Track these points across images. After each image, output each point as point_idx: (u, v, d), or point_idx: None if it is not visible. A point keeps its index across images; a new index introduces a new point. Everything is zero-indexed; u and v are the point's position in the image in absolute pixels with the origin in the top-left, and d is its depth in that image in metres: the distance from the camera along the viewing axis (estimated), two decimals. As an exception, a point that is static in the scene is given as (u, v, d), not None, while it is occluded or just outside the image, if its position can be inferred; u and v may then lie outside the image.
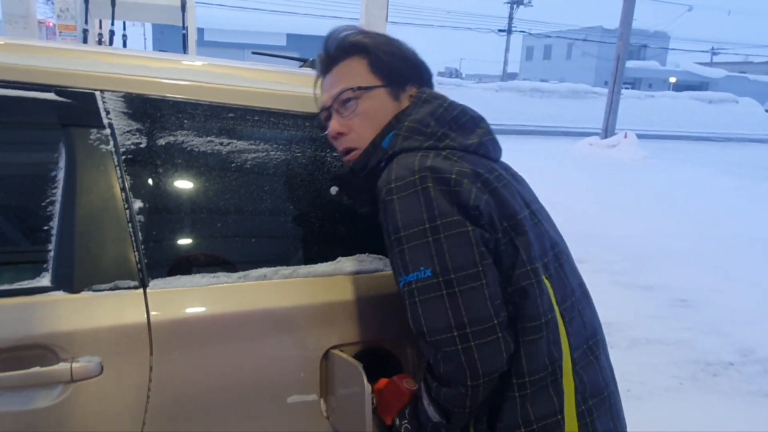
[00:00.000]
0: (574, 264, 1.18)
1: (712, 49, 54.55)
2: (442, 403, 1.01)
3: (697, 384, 3.23)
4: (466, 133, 1.12)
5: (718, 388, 3.21)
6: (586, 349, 1.09)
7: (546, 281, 1.04)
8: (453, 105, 1.15)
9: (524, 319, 1.00)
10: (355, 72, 1.15)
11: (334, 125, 1.15)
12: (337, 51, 1.17)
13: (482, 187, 1.02)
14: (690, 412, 2.90)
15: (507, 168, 1.20)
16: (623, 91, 19.82)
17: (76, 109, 1.16)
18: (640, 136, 14.76)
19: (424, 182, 0.99)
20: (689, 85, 41.38)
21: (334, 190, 1.19)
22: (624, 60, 16.52)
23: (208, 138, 1.25)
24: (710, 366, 3.46)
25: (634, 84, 41.16)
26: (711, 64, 51.83)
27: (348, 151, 1.16)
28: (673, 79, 42.46)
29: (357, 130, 1.14)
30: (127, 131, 1.19)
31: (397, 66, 1.16)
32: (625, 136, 14.46)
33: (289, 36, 33.04)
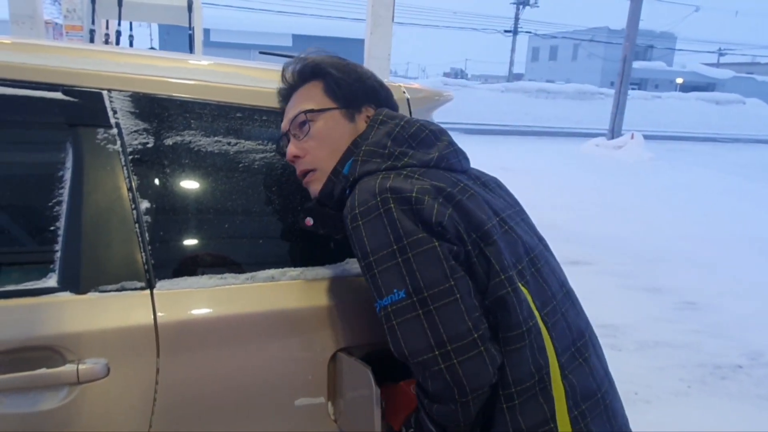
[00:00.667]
0: (555, 266, 1.17)
1: (719, 49, 54.29)
2: (436, 419, 1.00)
3: (705, 387, 3.21)
4: (426, 148, 1.12)
5: (727, 391, 3.18)
6: (574, 352, 1.07)
7: (523, 288, 1.02)
8: (410, 122, 1.15)
9: (505, 329, 0.99)
10: (311, 96, 1.18)
11: (290, 149, 1.17)
12: (294, 78, 1.21)
13: (444, 202, 1.02)
14: (698, 415, 2.88)
15: (477, 176, 1.20)
16: (630, 91, 19.76)
17: (83, 108, 1.15)
18: (646, 137, 14.69)
19: (386, 204, 0.99)
20: (696, 85, 41.19)
21: (309, 221, 1.18)
22: (630, 61, 16.47)
23: (216, 138, 1.24)
24: (718, 369, 3.43)
25: (641, 85, 41.02)
26: (718, 64, 51.60)
27: (305, 173, 1.17)
28: (679, 80, 42.28)
29: (312, 152, 1.15)
30: (134, 131, 1.18)
31: (351, 87, 1.18)
32: (632, 137, 14.40)
33: (295, 36, 33.07)
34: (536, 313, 1.03)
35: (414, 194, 1.00)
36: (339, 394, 1.21)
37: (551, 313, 1.05)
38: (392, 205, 0.99)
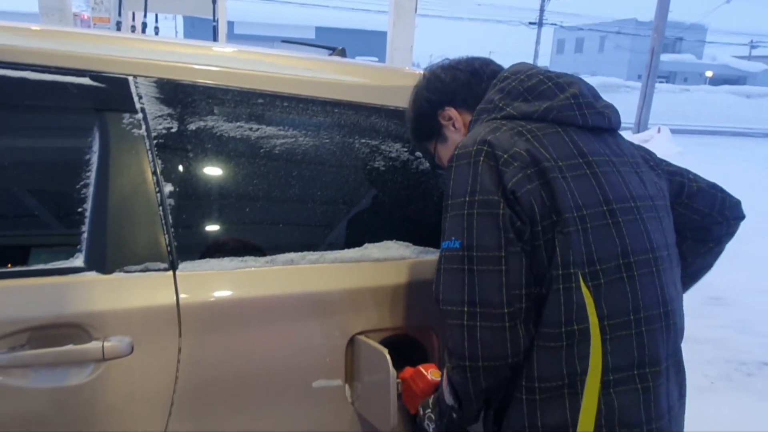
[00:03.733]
0: (667, 279, 1.05)
1: (751, 42, 52.89)
2: (454, 384, 1.01)
3: (730, 383, 3.15)
4: (540, 100, 1.08)
5: (752, 388, 3.12)
6: (635, 375, 0.98)
7: (585, 291, 0.96)
8: (532, 75, 1.12)
9: (542, 324, 0.97)
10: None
11: None
12: None
13: (532, 175, 0.98)
14: (721, 411, 2.83)
15: (622, 149, 1.10)
16: (657, 84, 19.37)
17: (109, 93, 1.18)
18: (674, 131, 14.39)
19: (478, 154, 1.00)
20: (726, 79, 40.22)
21: None
22: (659, 53, 16.12)
23: (238, 123, 1.26)
24: (744, 365, 3.37)
25: (669, 78, 40.19)
26: (749, 57, 50.28)
27: None
28: (709, 73, 41.33)
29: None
30: (159, 116, 1.20)
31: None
32: (659, 131, 14.12)
33: (318, 29, 33.11)
34: (594, 320, 0.96)
35: (506, 155, 0.99)
36: (356, 377, 1.22)
37: (618, 327, 0.98)
38: (482, 158, 0.99)
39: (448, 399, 1.04)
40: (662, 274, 1.04)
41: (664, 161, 1.24)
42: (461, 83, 1.20)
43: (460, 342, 0.96)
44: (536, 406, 0.97)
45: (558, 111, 1.07)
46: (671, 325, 1.04)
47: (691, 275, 1.28)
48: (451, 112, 1.21)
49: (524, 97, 1.09)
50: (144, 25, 5.36)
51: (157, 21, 5.76)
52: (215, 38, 5.34)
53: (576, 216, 0.97)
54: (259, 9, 33.05)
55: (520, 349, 0.96)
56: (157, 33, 5.62)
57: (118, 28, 5.20)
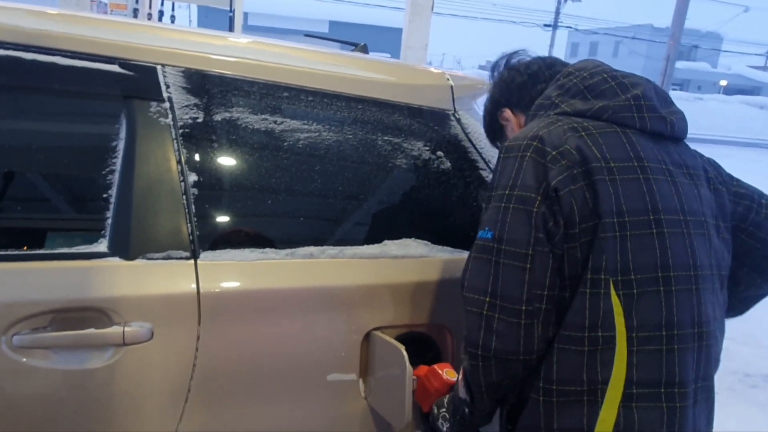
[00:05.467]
0: (707, 300, 1.01)
1: (767, 53, 52.46)
2: (466, 375, 1.03)
3: (733, 395, 3.15)
4: (599, 99, 1.05)
5: (756, 400, 3.12)
6: (661, 393, 0.95)
7: (614, 299, 0.94)
8: (595, 74, 1.09)
9: (564, 326, 0.96)
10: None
11: None
12: None
13: (579, 176, 0.96)
14: (725, 423, 2.83)
15: (684, 160, 1.06)
16: (671, 92, 19.25)
17: (138, 81, 1.19)
18: (686, 140, 14.30)
19: (527, 149, 1.00)
20: (741, 89, 39.90)
21: None
22: (674, 60, 16.02)
23: (263, 116, 1.27)
24: (748, 377, 3.36)
25: (683, 85, 39.91)
26: (765, 68, 49.88)
27: None
28: (723, 82, 41.02)
29: None
30: (186, 105, 1.21)
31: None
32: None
33: (332, 23, 33.09)
34: (621, 329, 0.94)
35: (555, 151, 0.98)
36: (371, 372, 1.23)
37: (648, 341, 0.95)
38: (530, 153, 0.99)
39: (462, 392, 1.05)
40: (702, 294, 0.99)
41: (736, 180, 1.18)
42: (517, 85, 1.21)
43: (476, 330, 0.98)
44: (553, 408, 0.97)
45: (614, 111, 1.04)
46: (704, 347, 1.00)
47: (743, 301, 1.24)
48: (507, 113, 1.23)
49: (583, 95, 1.07)
50: (161, 13, 5.39)
51: (173, 9, 5.78)
52: (231, 29, 5.35)
53: (616, 222, 0.95)
54: (275, 1, 33.05)
55: (534, 348, 0.97)
56: (173, 21, 5.65)
57: (135, 15, 5.23)
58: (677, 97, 26.13)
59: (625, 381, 0.94)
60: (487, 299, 0.97)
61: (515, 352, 0.96)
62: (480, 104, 1.51)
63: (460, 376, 1.06)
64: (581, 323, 0.95)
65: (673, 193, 1.00)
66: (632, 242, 0.95)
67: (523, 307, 0.95)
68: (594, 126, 1.02)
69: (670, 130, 1.06)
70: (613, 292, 0.94)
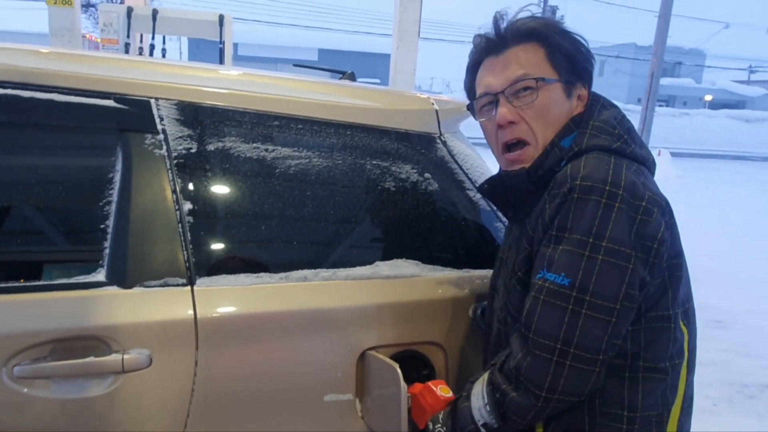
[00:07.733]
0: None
1: (750, 67, 53.40)
2: (505, 408, 0.99)
3: (731, 405, 3.16)
4: (639, 146, 1.07)
5: (754, 410, 3.13)
6: (689, 401, 1.10)
7: (683, 327, 1.04)
8: (626, 116, 1.11)
9: (648, 359, 1.00)
10: (532, 60, 1.07)
11: (504, 113, 1.07)
12: (510, 33, 1.09)
13: (666, 220, 0.98)
14: (724, 434, 2.83)
15: None
16: (657, 108, 19.50)
17: (132, 115, 1.23)
18: (674, 155, 14.49)
19: (613, 198, 0.94)
20: (725, 103, 40.54)
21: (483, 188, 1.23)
22: (658, 77, 16.26)
23: (255, 145, 1.31)
24: (746, 388, 3.38)
25: (669, 101, 40.50)
26: (748, 82, 50.73)
27: (514, 142, 1.09)
28: (708, 97, 41.65)
29: (530, 123, 1.07)
30: (179, 137, 1.25)
31: (573, 61, 1.09)
32: (659, 154, 14.23)
33: (321, 51, 33.49)
34: (687, 354, 1.05)
35: (645, 203, 0.95)
36: (367, 391, 1.25)
37: (692, 362, 1.08)
38: (618, 203, 0.93)
39: (483, 416, 1.02)
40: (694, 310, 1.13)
41: None
42: (585, 63, 1.12)
43: (542, 374, 0.94)
44: None
45: (653, 162, 1.10)
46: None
47: None
48: (584, 92, 1.13)
49: (630, 134, 1.07)
50: (152, 47, 5.46)
51: (164, 43, 5.86)
52: (221, 60, 5.43)
53: (683, 258, 1.05)
54: (264, 31, 33.44)
55: (594, 389, 0.97)
56: (164, 55, 5.72)
57: (126, 50, 5.30)
58: (664, 113, 26.52)
59: (684, 398, 1.06)
60: (559, 346, 0.94)
61: (580, 394, 0.97)
62: (464, 126, 1.55)
63: (483, 401, 1.03)
64: (665, 354, 1.01)
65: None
66: (685, 277, 1.06)
67: (600, 357, 0.94)
68: (640, 168, 1.03)
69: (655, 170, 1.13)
70: (681, 322, 1.04)
